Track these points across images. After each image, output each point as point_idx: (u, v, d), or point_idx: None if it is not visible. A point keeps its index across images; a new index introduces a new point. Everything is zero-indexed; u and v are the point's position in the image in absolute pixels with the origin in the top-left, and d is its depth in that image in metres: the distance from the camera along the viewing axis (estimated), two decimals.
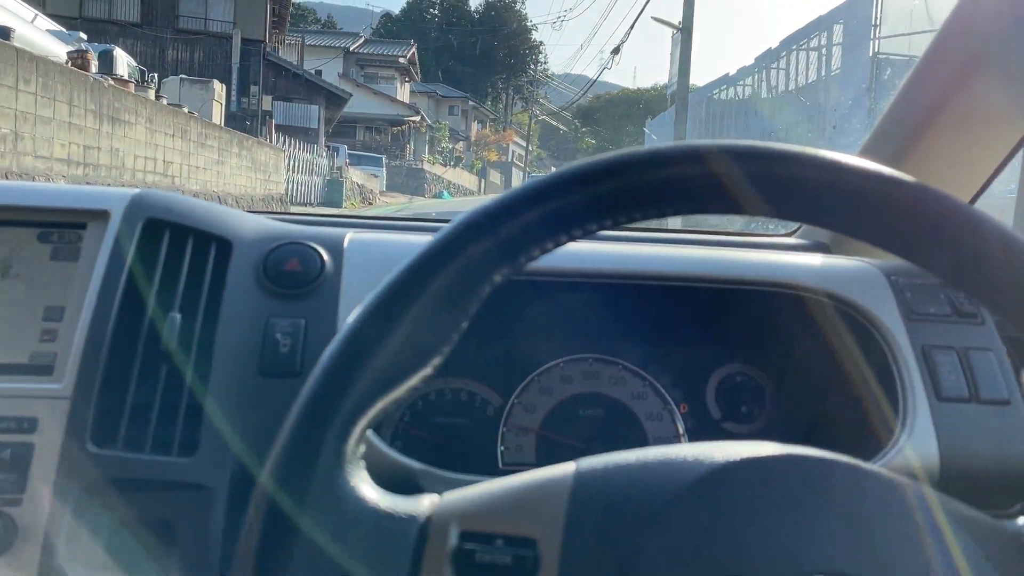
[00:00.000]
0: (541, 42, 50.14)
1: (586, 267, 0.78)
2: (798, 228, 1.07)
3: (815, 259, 0.82)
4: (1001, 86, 0.84)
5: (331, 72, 29.75)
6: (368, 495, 0.37)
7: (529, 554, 0.36)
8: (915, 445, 0.71)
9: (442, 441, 0.80)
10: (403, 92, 33.94)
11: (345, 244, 0.76)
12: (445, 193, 29.83)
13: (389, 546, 0.37)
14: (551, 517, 0.36)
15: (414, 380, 0.37)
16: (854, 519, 0.35)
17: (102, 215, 0.72)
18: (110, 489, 0.63)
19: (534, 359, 0.88)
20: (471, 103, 40.29)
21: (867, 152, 0.97)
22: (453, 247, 0.37)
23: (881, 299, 0.78)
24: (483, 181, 43.09)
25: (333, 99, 21.40)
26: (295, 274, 0.75)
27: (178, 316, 0.69)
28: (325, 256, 0.75)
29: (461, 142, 43.30)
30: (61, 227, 0.72)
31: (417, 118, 30.24)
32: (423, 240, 0.63)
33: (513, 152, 53.47)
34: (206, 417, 0.65)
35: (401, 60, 31.27)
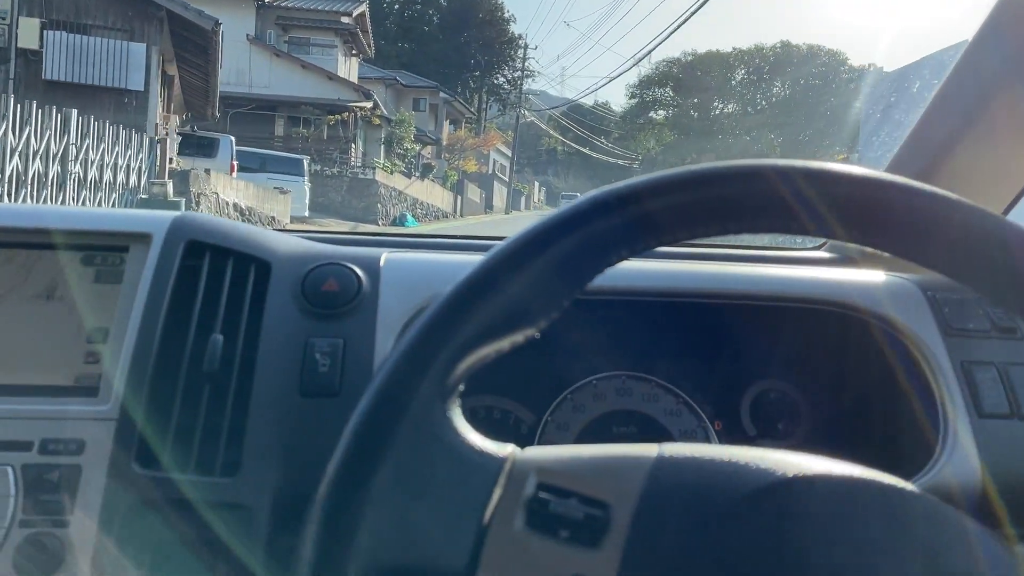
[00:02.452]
0: (520, 35, 46.04)
1: (619, 284, 0.83)
2: (826, 242, 1.08)
3: (849, 274, 0.87)
4: None
5: (235, 32, 21.38)
6: (461, 426, 0.42)
7: (601, 515, 0.39)
8: (956, 463, 0.74)
9: None
10: (348, 69, 18.28)
11: (381, 264, 0.81)
12: (409, 217, 13.21)
13: (471, 478, 0.41)
14: (628, 487, 0.40)
15: (517, 336, 0.42)
16: (930, 557, 0.38)
17: (144, 238, 0.78)
18: (155, 510, 0.68)
19: (567, 376, 0.92)
20: (443, 95, 25.81)
21: (897, 164, 1.00)
22: (582, 218, 0.42)
23: (919, 315, 0.82)
24: (460, 199, 34.75)
25: (182, 32, 11.71)
26: (333, 294, 0.79)
27: (220, 337, 0.74)
28: (362, 276, 0.80)
29: (430, 146, 34.35)
30: (104, 250, 0.78)
31: (368, 105, 13.92)
32: (459, 259, 0.78)
33: (494, 163, 44.57)
34: (248, 437, 0.70)
35: (345, 20, 15.65)
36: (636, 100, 44.74)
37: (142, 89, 10.35)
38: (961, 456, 0.73)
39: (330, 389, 0.73)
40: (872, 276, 0.86)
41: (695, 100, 41.30)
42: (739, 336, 0.90)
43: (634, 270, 0.82)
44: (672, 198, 0.42)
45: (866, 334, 0.83)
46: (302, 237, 0.89)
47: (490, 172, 38.96)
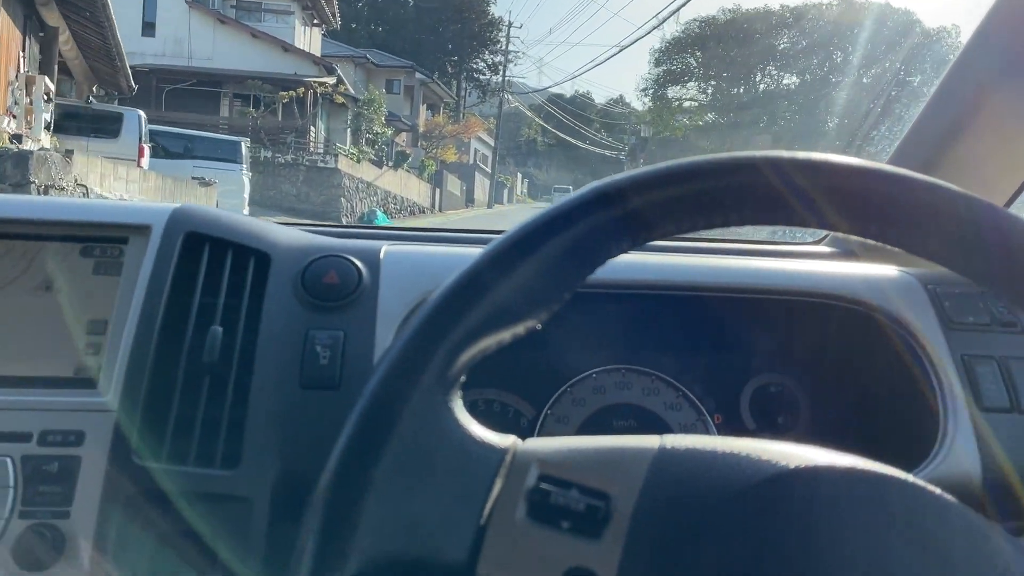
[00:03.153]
0: (501, 17, 44.00)
1: (619, 277, 0.85)
2: (826, 235, 1.13)
3: (849, 268, 0.90)
4: None
5: None
6: (463, 418, 0.44)
7: (602, 506, 0.40)
8: (956, 455, 0.77)
9: None
10: (308, 40, 13.18)
11: (381, 256, 0.84)
12: (380, 214, 7.93)
13: (472, 469, 0.42)
14: (630, 479, 0.41)
15: (519, 328, 0.44)
16: (935, 548, 0.39)
17: (143, 230, 0.80)
18: (155, 501, 0.70)
19: (567, 370, 0.95)
20: (419, 76, 21.39)
21: (899, 157, 1.02)
22: (586, 208, 0.43)
23: (919, 309, 0.84)
24: (439, 192, 31.19)
25: None
26: (333, 287, 0.80)
27: (219, 329, 0.76)
28: (362, 268, 0.82)
29: (404, 133, 30.88)
30: (103, 242, 0.81)
31: (330, 80, 8.83)
32: (460, 252, 0.80)
33: (476, 152, 40.77)
34: (248, 430, 0.73)
35: None
36: (663, 68, 37.09)
37: None
38: (961, 450, 0.76)
39: (330, 381, 0.75)
40: (873, 270, 0.89)
41: (737, 70, 35.14)
42: (739, 330, 0.93)
43: (635, 263, 0.86)
44: (675, 189, 0.43)
45: (867, 328, 0.87)
46: (302, 229, 0.93)
47: (471, 162, 37.08)
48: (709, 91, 36.99)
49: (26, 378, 0.74)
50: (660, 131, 34.99)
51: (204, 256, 0.78)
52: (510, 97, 40.58)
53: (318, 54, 21.70)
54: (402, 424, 0.41)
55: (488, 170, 37.67)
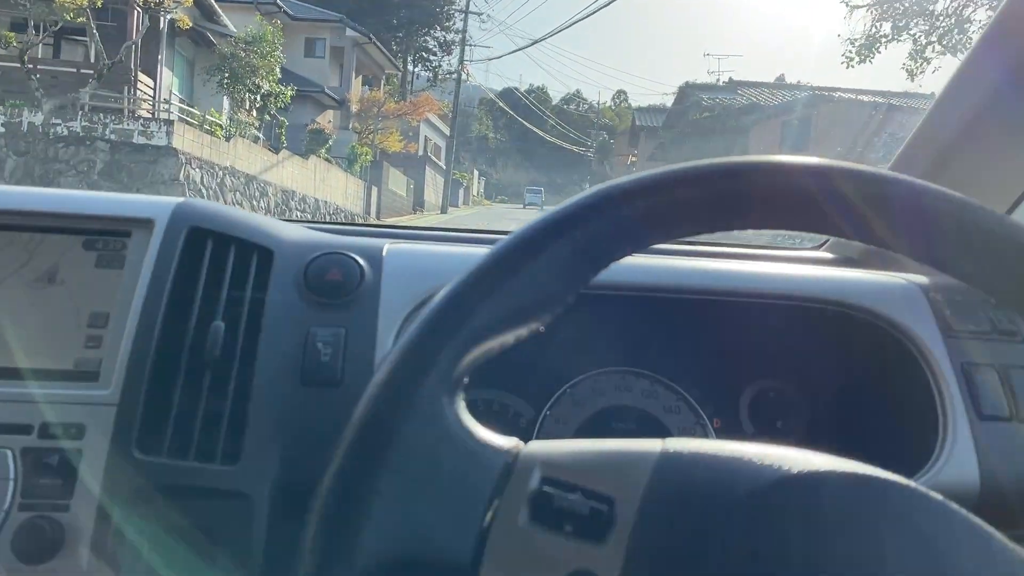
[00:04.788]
0: None
1: (621, 280, 0.89)
2: (826, 241, 1.16)
3: (851, 274, 0.95)
4: None
5: None
6: (466, 419, 0.46)
7: (605, 510, 0.42)
8: (955, 463, 0.79)
9: None
10: None
11: (384, 254, 0.88)
12: None
13: (476, 472, 0.44)
14: (633, 482, 0.43)
15: (522, 331, 0.46)
16: (938, 555, 0.41)
17: (146, 223, 0.84)
18: (155, 496, 0.72)
19: (567, 371, 0.98)
20: (351, 34, 9.98)
21: (902, 164, 1.05)
22: (591, 211, 0.45)
23: (919, 316, 0.87)
24: (376, 191, 22.57)
25: None
26: (336, 284, 0.82)
27: (221, 324, 0.78)
28: (364, 266, 0.85)
29: (332, 111, 22.34)
30: (106, 235, 0.84)
31: None
32: (462, 251, 0.81)
33: (426, 141, 30.70)
34: (249, 426, 0.76)
35: None
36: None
37: None
38: (960, 458, 0.77)
39: (331, 378, 0.77)
40: (873, 276, 0.94)
41: None
42: (740, 334, 0.97)
43: (636, 266, 0.90)
44: (680, 193, 0.45)
45: (866, 334, 0.91)
46: (305, 226, 0.98)
47: (420, 153, 27.64)
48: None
49: (27, 370, 0.77)
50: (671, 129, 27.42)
51: (207, 251, 0.82)
52: (469, 74, 32.19)
53: None
54: (405, 426, 0.43)
55: (442, 165, 29.90)
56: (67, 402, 0.71)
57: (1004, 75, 0.89)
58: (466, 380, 0.45)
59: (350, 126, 24.05)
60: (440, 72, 38.68)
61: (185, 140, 11.43)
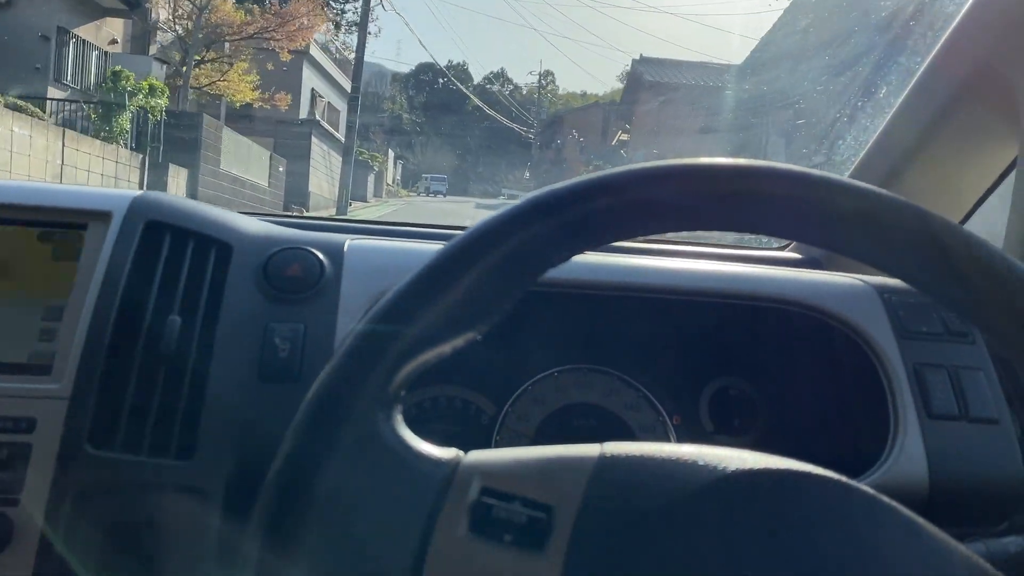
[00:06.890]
0: None
1: (583, 278, 0.92)
2: (790, 242, 1.22)
3: (809, 275, 0.99)
4: (993, 109, 1.00)
5: None
6: (404, 433, 0.48)
7: (543, 518, 0.44)
8: (904, 461, 0.84)
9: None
10: None
11: (344, 249, 0.91)
12: None
13: (415, 485, 0.46)
14: (571, 489, 0.45)
15: (458, 341, 0.48)
16: (874, 553, 0.43)
17: (103, 216, 0.86)
18: (107, 490, 0.74)
19: (528, 368, 1.01)
20: None
21: (861, 171, 1.10)
22: (523, 219, 0.47)
23: (874, 316, 0.92)
24: (188, 178, 12.98)
25: None
26: (296, 279, 0.85)
27: (178, 319, 0.81)
28: (325, 261, 0.88)
29: (114, 19, 12.61)
30: (62, 227, 0.86)
31: None
32: (422, 247, 0.81)
33: (315, 97, 21.97)
34: (204, 421, 0.78)
35: None
36: None
37: None
38: (909, 455, 0.81)
39: (289, 374, 0.79)
40: (830, 277, 0.99)
41: None
42: (701, 333, 1.02)
43: (598, 264, 0.94)
44: (612, 199, 0.46)
45: (824, 334, 0.95)
46: (267, 220, 0.99)
47: (305, 116, 21.67)
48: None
49: None
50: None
51: (164, 245, 0.83)
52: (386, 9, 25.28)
53: None
54: (341, 442, 0.44)
55: (340, 138, 21.19)
56: (18, 395, 0.72)
57: (959, 86, 0.93)
58: (403, 393, 0.45)
59: (148, 50, 13.45)
60: (343, 21, 31.06)
61: None
